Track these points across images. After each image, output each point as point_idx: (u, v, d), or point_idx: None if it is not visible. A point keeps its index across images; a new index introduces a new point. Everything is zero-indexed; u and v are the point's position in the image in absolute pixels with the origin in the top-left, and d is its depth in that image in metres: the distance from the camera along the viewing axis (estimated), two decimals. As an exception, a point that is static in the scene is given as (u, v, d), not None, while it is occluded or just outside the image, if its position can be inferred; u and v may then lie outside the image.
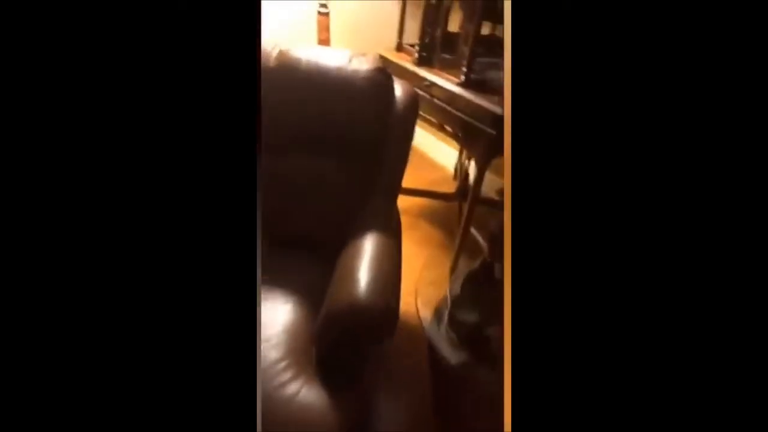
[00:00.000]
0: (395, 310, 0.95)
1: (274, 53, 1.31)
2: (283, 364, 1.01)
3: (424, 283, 1.76)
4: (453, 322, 1.03)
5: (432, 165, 2.63)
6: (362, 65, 1.30)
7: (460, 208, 2.10)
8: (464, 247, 1.53)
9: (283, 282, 1.20)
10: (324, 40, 1.89)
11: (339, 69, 1.29)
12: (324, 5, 1.82)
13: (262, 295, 1.16)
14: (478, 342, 0.94)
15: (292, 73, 1.29)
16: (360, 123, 1.30)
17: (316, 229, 1.33)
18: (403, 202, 2.31)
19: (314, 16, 1.85)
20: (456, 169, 2.40)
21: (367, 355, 1.02)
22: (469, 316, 1.00)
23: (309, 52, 1.31)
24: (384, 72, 1.32)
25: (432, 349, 1.06)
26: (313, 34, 1.87)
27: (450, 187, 2.34)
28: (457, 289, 1.06)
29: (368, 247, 1.09)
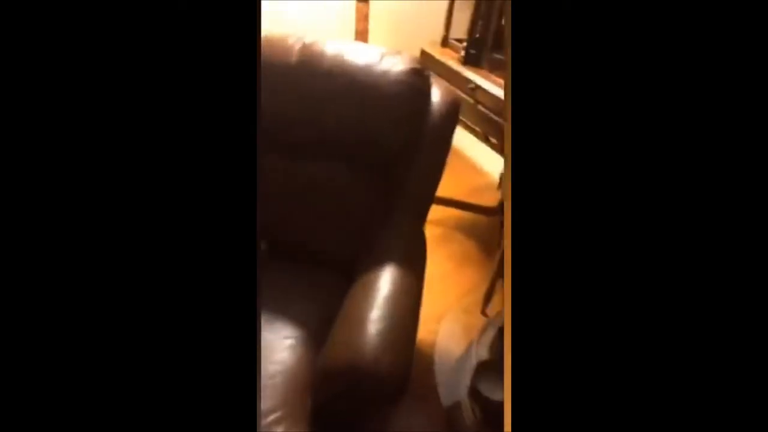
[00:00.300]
0: (406, 373, 0.78)
1: (297, 47, 1.15)
2: (274, 416, 0.86)
3: (454, 310, 1.58)
4: (475, 393, 0.85)
5: (474, 170, 2.42)
6: (395, 65, 1.12)
7: (501, 227, 1.90)
8: (500, 278, 1.33)
9: (287, 309, 1.06)
10: (362, 30, 1.72)
11: (367, 68, 1.12)
12: (364, -8, 1.64)
13: (262, 326, 1.01)
14: (501, 421, 0.76)
15: (315, 69, 1.13)
16: (387, 131, 1.13)
17: (327, 245, 1.17)
18: (439, 211, 2.13)
19: (353, 4, 1.68)
20: (501, 178, 2.19)
21: (370, 416, 0.86)
22: (495, 393, 0.81)
23: (335, 48, 1.14)
24: (420, 74, 1.14)
25: (449, 416, 0.89)
26: (351, 23, 1.70)
27: (493, 198, 2.13)
28: (485, 350, 0.88)
29: (384, 283, 0.92)
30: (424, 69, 1.16)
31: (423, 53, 1.71)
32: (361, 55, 1.13)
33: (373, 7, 1.68)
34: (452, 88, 1.60)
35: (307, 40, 1.17)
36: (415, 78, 1.13)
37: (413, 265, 1.01)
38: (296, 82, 1.14)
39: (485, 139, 1.53)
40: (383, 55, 1.14)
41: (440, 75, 1.65)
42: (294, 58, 1.15)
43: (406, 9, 1.86)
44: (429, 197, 1.19)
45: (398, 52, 1.16)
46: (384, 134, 1.13)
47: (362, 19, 1.68)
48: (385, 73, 1.11)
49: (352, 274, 1.04)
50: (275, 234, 1.18)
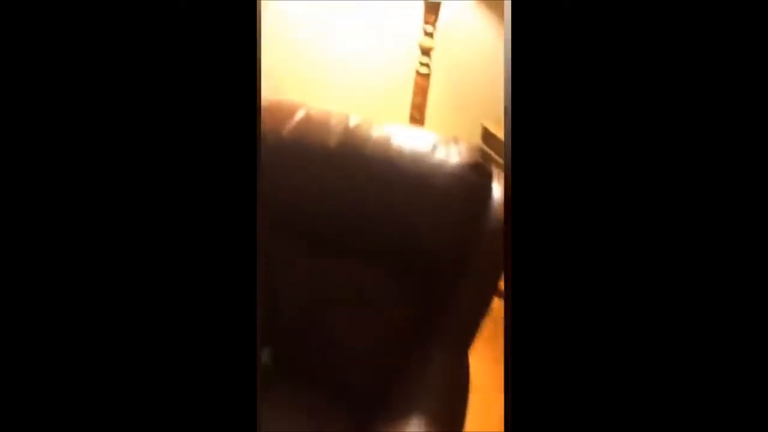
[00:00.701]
0: None
1: (339, 129, 1.01)
2: None
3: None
4: None
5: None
6: (450, 157, 0.95)
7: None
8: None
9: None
10: (419, 105, 1.58)
11: (417, 158, 0.95)
12: (425, 64, 1.51)
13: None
14: None
15: (357, 156, 0.97)
16: (436, 234, 0.94)
17: (347, 369, 0.97)
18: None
19: (411, 76, 1.55)
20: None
21: None
22: None
23: (382, 132, 0.99)
24: (479, 169, 0.96)
25: None
26: (407, 96, 1.57)
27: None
28: None
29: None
30: (484, 163, 0.98)
31: (485, 133, 1.54)
32: (411, 143, 0.97)
33: (435, 80, 1.54)
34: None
35: (352, 121, 1.02)
36: (474, 174, 0.94)
37: (452, 417, 0.79)
38: (334, 169, 0.99)
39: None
40: (437, 144, 0.97)
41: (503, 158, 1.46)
42: (334, 142, 1.00)
43: (468, 82, 1.71)
44: (479, 317, 0.97)
45: (456, 140, 0.99)
46: (431, 238, 0.94)
47: (420, 92, 1.53)
48: (438, 166, 0.94)
49: (371, 412, 0.83)
50: (285, 344, 1.01)
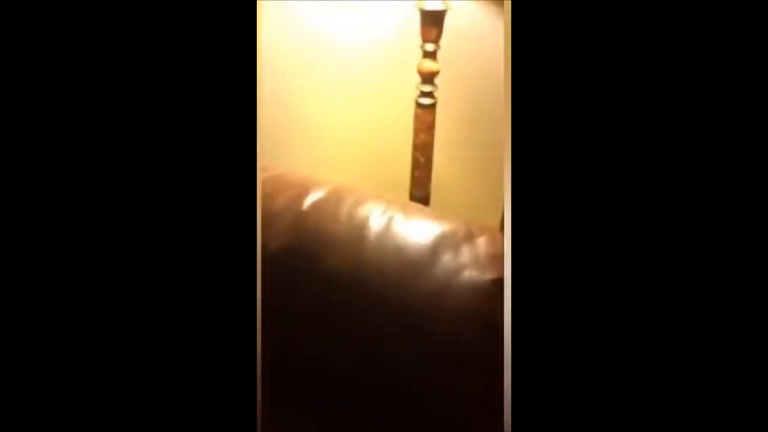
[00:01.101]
0: None
1: (285, 217, 0.65)
2: None
3: None
4: None
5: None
6: (460, 269, 0.59)
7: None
8: None
9: None
10: (424, 144, 1.22)
11: (405, 276, 0.59)
12: (428, 93, 1.15)
13: None
14: None
15: (310, 269, 0.61)
16: (442, 386, 0.58)
17: None
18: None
19: (410, 108, 1.20)
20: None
21: None
22: None
23: (349, 222, 0.63)
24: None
25: None
26: (408, 133, 1.22)
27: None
28: None
29: None
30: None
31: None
32: (396, 243, 0.61)
33: (442, 113, 1.19)
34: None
35: (308, 200, 0.66)
36: (497, 301, 0.58)
37: None
38: (277, 289, 0.63)
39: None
40: (441, 244, 0.60)
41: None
42: (278, 238, 0.64)
43: (486, 111, 1.36)
44: None
45: (470, 234, 0.63)
46: (433, 394, 0.58)
47: (424, 129, 1.18)
48: (440, 290, 0.58)
49: None
50: None
